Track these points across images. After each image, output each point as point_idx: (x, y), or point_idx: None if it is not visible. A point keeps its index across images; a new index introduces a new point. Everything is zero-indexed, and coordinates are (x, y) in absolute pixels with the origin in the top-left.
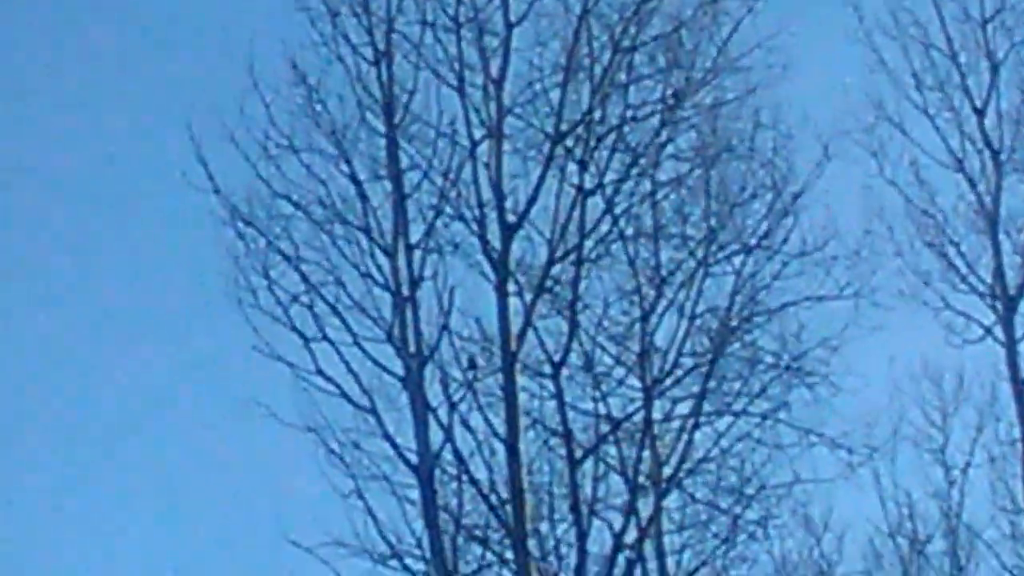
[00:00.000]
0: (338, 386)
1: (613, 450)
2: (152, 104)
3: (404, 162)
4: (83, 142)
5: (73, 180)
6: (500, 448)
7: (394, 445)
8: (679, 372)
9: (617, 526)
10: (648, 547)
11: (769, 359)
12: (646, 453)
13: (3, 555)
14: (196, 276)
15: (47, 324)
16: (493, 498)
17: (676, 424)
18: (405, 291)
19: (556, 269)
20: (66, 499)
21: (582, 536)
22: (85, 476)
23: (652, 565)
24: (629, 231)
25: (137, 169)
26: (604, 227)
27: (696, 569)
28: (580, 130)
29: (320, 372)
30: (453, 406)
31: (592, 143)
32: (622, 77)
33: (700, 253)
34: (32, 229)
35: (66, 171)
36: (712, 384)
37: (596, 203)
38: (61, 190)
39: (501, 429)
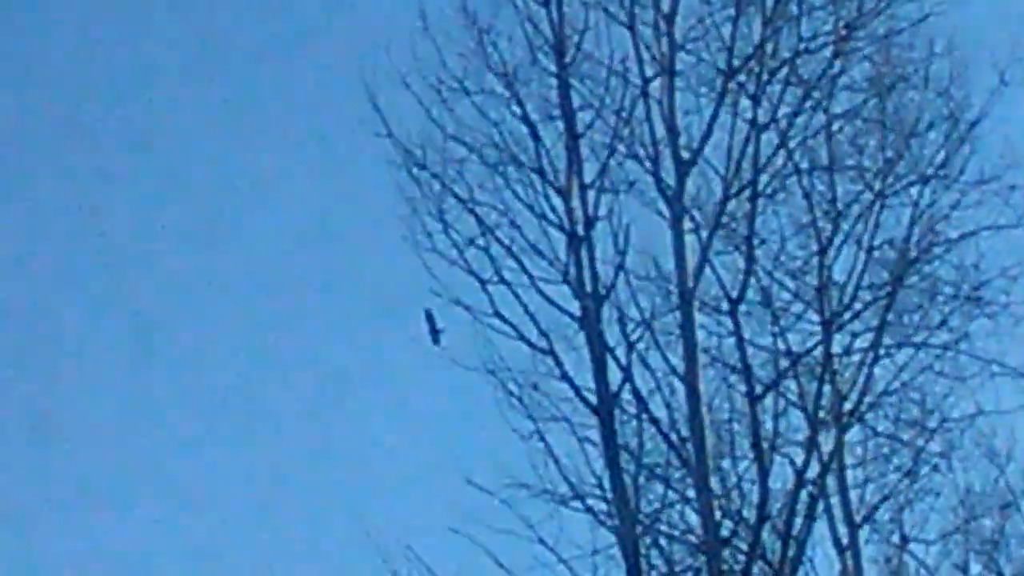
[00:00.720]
0: (515, 328)
1: (793, 385)
2: (326, 51)
3: (576, 102)
4: (259, 91)
5: (251, 129)
6: (679, 386)
7: (573, 386)
8: (858, 305)
9: (799, 461)
10: (830, 482)
11: (948, 290)
12: (826, 387)
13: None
14: (372, 221)
15: (230, 267)
16: (673, 436)
17: (856, 358)
18: (580, 231)
19: (731, 205)
20: (253, 446)
21: (764, 472)
22: (272, 420)
23: (834, 500)
24: (804, 164)
25: (312, 116)
26: (779, 161)
27: (879, 503)
28: (752, 64)
29: (497, 314)
30: (631, 345)
31: (764, 77)
32: (793, 9)
33: (877, 185)
34: (217, 177)
35: (245, 120)
36: (891, 317)
37: (770, 137)
38: (239, 138)
39: (680, 367)
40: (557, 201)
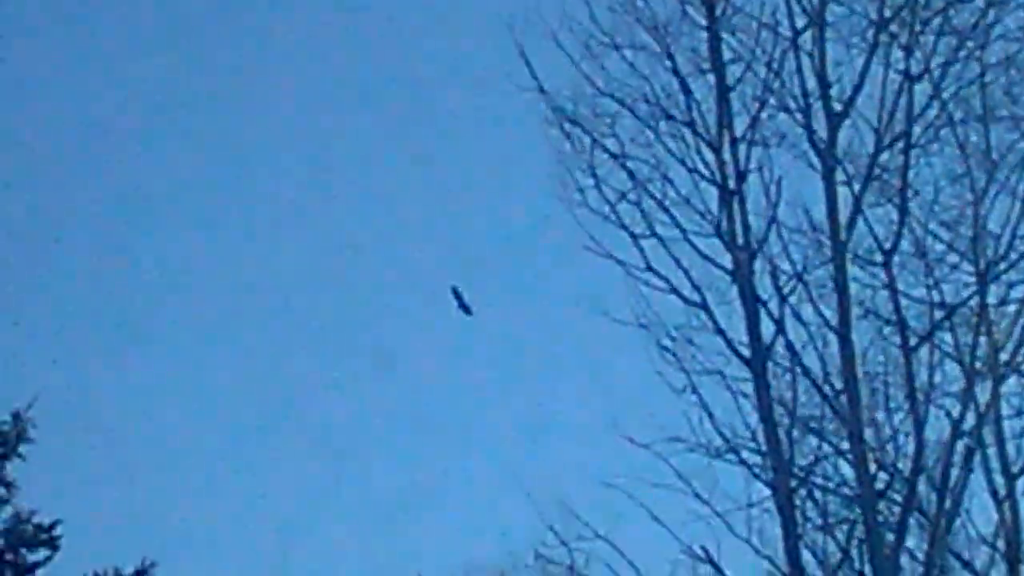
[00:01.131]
0: (668, 282)
1: (948, 336)
2: (477, 10)
3: (727, 55)
4: (415, 51)
5: (405, 89)
6: (832, 338)
7: (726, 339)
8: (1013, 255)
9: (954, 413)
10: (987, 433)
11: None
12: (982, 338)
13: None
14: (524, 177)
15: (384, 225)
16: (827, 389)
17: (1012, 308)
18: (732, 184)
19: (884, 156)
20: (414, 402)
21: (919, 424)
22: (430, 375)
23: (991, 451)
24: (958, 115)
25: (464, 74)
26: (932, 112)
27: None
28: (904, 14)
29: (650, 268)
30: (784, 298)
31: (917, 27)
32: None
33: None
34: (374, 136)
35: (396, 80)
36: None
37: (923, 88)
38: (393, 100)
39: (833, 319)
40: (708, 154)
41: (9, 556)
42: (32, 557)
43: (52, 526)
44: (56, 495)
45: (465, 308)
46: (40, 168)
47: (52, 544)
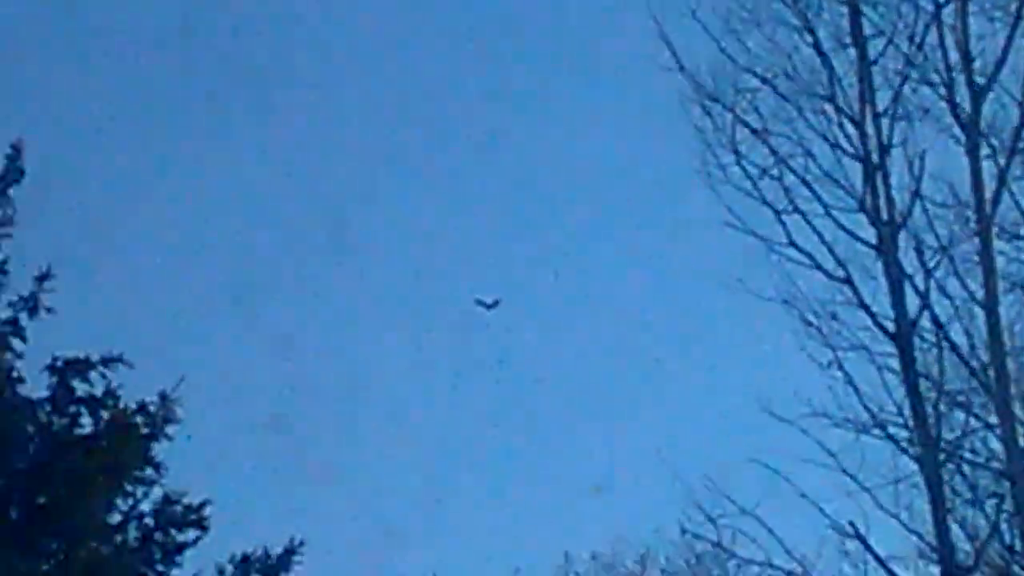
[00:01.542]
0: (811, 257)
1: None
2: None
3: (868, 29)
4: (554, 28)
5: (545, 70)
6: (979, 312)
7: (871, 314)
8: None
9: None
10: None
11: None
12: None
13: None
14: (665, 155)
15: (527, 204)
16: (974, 363)
17: None
18: (875, 159)
19: None
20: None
21: None
22: (579, 352)
23: None
24: None
25: (603, 54)
26: None
27: None
28: None
29: (793, 244)
30: (929, 272)
31: None
32: None
33: None
34: (515, 113)
35: (536, 60)
36: None
37: None
38: (534, 81)
39: (979, 293)
40: (851, 129)
41: (159, 536)
42: (181, 537)
43: (201, 506)
44: (205, 476)
45: (490, 305)
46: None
47: (201, 524)
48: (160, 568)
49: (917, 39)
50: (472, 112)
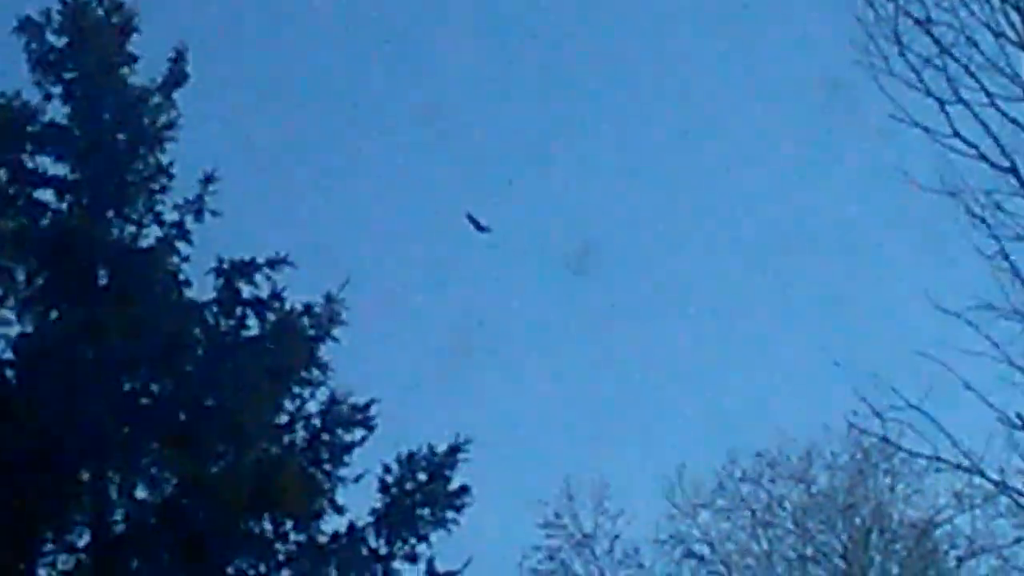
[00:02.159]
0: (976, 148)
1: None
2: None
3: None
4: None
5: None
6: None
7: None
8: None
9: None
10: None
11: None
12: None
13: None
14: (827, 48)
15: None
16: None
17: None
18: None
19: None
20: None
21: None
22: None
23: None
24: None
25: None
26: None
27: None
28: None
29: (957, 135)
30: None
31: None
32: None
33: None
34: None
35: None
36: None
37: None
38: None
39: None
40: (1015, 17)
41: (326, 436)
42: (348, 437)
43: (367, 406)
44: (370, 376)
45: (481, 227)
46: None
47: (367, 424)
48: (327, 468)
49: None
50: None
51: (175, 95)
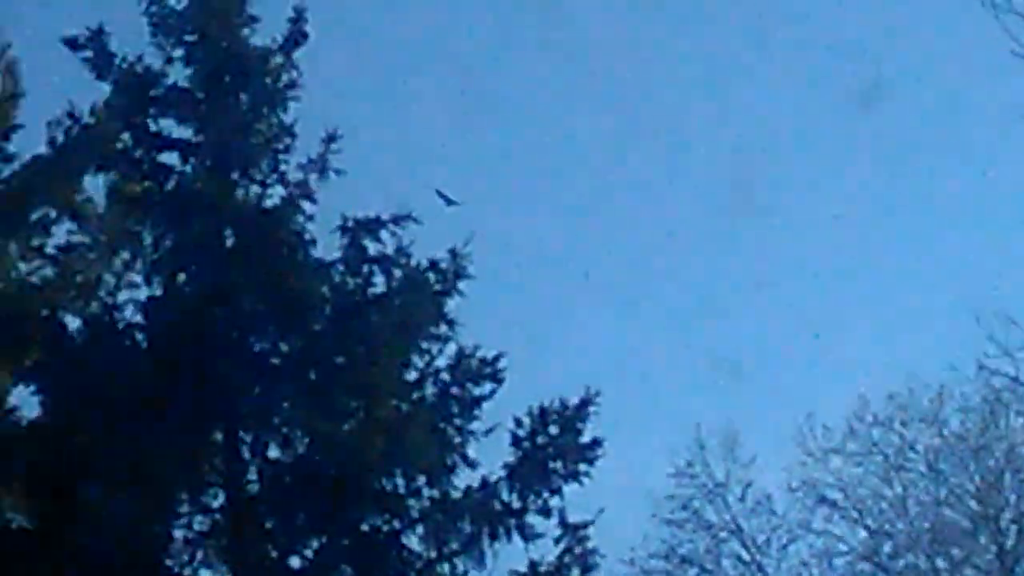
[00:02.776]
0: None
1: None
2: None
3: None
4: None
5: None
6: None
7: None
8: None
9: None
10: None
11: None
12: None
13: None
14: None
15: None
16: None
17: None
18: None
19: None
20: None
21: None
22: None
23: None
24: None
25: None
26: None
27: None
28: None
29: None
30: None
31: None
32: None
33: None
34: None
35: None
36: None
37: None
38: None
39: None
40: None
41: (455, 391)
42: (477, 391)
43: (496, 359)
44: (498, 329)
45: (451, 201)
46: None
47: (496, 378)
48: (458, 423)
49: None
50: None
51: (296, 54)
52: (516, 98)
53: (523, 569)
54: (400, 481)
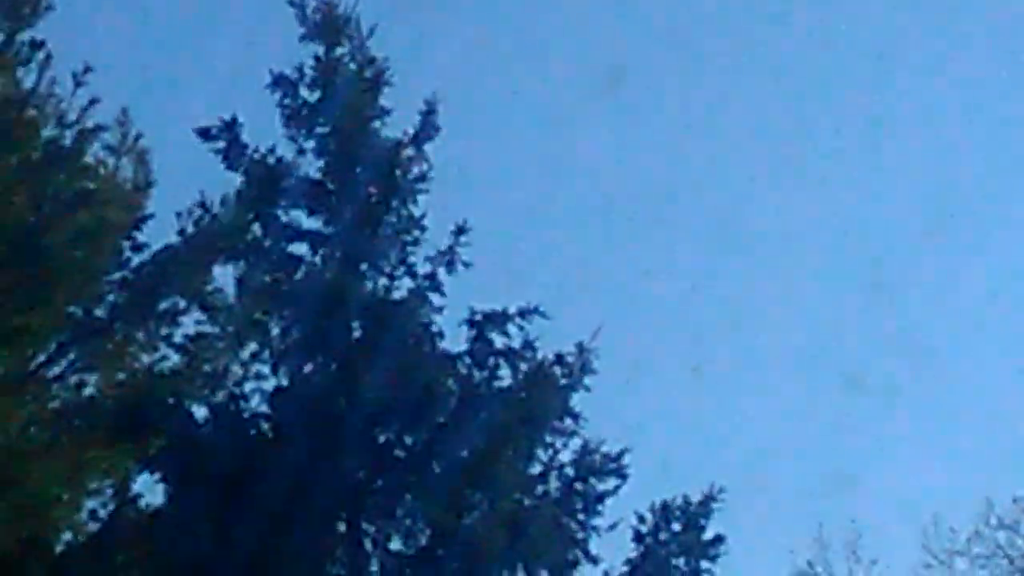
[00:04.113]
0: None
1: None
2: None
3: None
4: None
5: None
6: None
7: None
8: None
9: None
10: None
11: None
12: None
13: None
14: None
15: None
16: None
17: None
18: None
19: None
20: None
21: None
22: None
23: None
24: None
25: None
26: None
27: None
28: None
29: None
30: None
31: None
32: None
33: None
34: None
35: None
36: None
37: None
38: None
39: None
40: None
41: (579, 486)
42: (601, 486)
43: (620, 455)
44: (622, 425)
45: None
46: None
47: (620, 473)
48: (581, 518)
49: None
50: None
51: (427, 147)
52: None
53: None
54: (522, 575)
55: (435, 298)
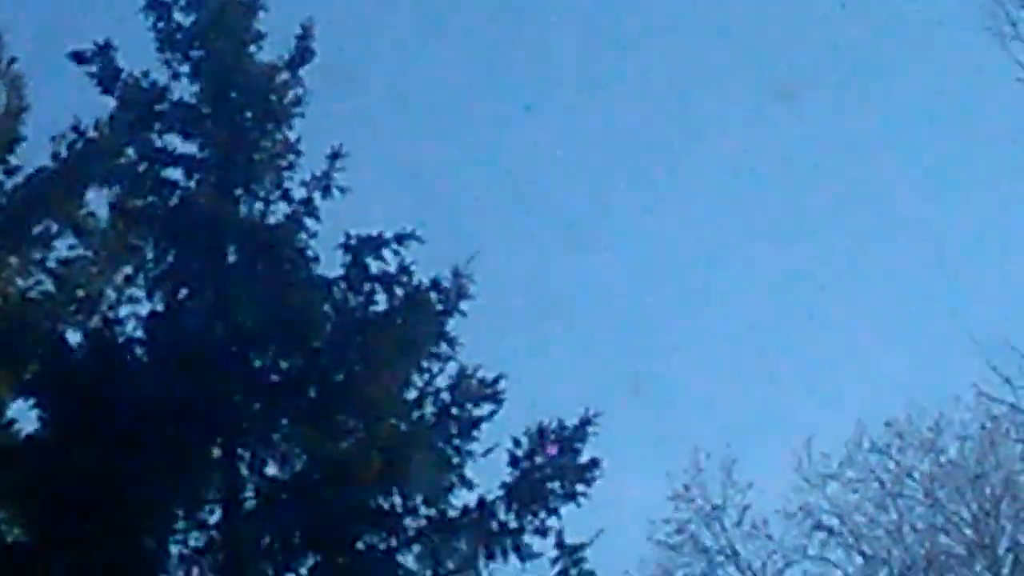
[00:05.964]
0: None
1: None
2: None
3: None
4: None
5: None
6: None
7: None
8: None
9: None
10: None
11: None
12: None
13: None
14: (956, 12)
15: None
16: None
17: None
18: None
19: None
20: None
21: None
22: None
23: None
24: None
25: None
26: None
27: None
28: None
29: None
30: None
31: None
32: None
33: None
34: None
35: None
36: None
37: None
38: None
39: None
40: None
41: (454, 411)
42: (476, 411)
43: (495, 380)
44: (497, 350)
45: None
46: None
47: (495, 398)
48: (457, 443)
49: None
50: None
51: (302, 72)
52: (525, 117)
53: None
54: (397, 500)
55: (310, 223)
